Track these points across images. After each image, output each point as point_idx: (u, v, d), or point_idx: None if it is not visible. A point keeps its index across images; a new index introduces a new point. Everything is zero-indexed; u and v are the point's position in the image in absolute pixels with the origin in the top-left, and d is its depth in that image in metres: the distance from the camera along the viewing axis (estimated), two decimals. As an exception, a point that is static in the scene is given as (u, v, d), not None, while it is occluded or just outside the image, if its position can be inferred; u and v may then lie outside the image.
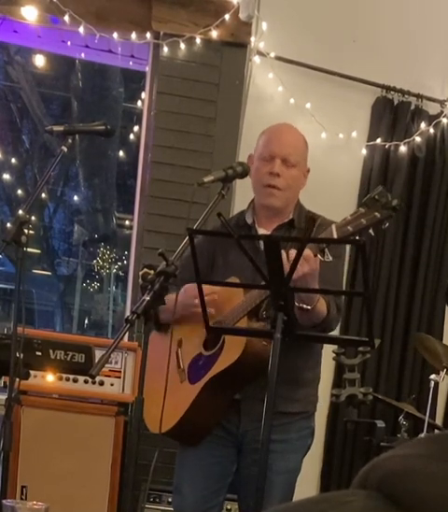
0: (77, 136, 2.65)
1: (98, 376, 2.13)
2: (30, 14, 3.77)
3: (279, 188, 2.51)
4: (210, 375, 2.44)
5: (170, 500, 3.27)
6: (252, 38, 3.92)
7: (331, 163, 4.05)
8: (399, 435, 3.68)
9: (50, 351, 2.80)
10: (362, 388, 3.25)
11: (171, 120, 3.90)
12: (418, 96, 4.11)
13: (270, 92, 4.00)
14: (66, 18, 3.72)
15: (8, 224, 2.47)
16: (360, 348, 3.25)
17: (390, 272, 4.13)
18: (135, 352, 3.34)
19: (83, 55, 4.22)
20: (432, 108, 4.17)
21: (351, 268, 3.99)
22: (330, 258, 2.19)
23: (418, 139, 4.10)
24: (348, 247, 3.60)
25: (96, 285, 11.51)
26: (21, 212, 2.42)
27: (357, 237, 2.17)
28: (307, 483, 3.72)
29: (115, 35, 3.85)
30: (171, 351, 2.37)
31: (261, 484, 2.07)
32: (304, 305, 2.24)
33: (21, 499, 3.13)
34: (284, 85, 3.96)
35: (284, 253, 2.05)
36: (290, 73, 3.97)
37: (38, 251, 10.63)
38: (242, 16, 3.80)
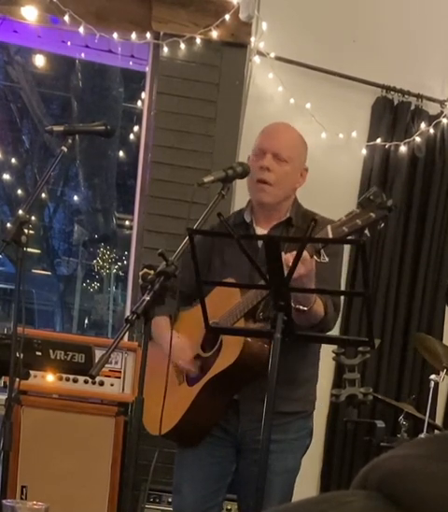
0: (76, 136, 2.65)
1: (98, 376, 2.12)
2: (30, 14, 3.77)
3: (270, 183, 2.49)
4: (208, 376, 2.44)
5: (170, 500, 3.27)
6: (252, 38, 3.92)
7: (331, 163, 4.05)
8: (398, 435, 3.68)
9: (50, 351, 2.80)
10: (362, 388, 3.25)
11: (171, 120, 3.90)
12: (418, 96, 4.11)
13: (270, 92, 4.00)
14: (66, 18, 3.72)
15: (8, 224, 2.47)
16: (360, 348, 3.25)
17: (390, 272, 4.13)
18: (135, 352, 3.34)
19: (83, 55, 4.22)
20: (432, 108, 4.17)
21: (351, 268, 3.99)
22: (326, 259, 2.19)
23: (418, 139, 4.10)
24: (348, 247, 3.60)
25: (96, 285, 11.52)
26: (20, 212, 2.42)
27: (358, 237, 2.17)
28: (307, 483, 3.72)
29: (115, 35, 3.85)
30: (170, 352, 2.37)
31: (261, 484, 2.07)
32: (301, 307, 2.23)
33: (21, 499, 3.13)
34: (284, 85, 3.96)
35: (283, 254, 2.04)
36: (290, 73, 3.97)
37: (38, 251, 10.63)
38: (242, 16, 3.80)
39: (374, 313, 4.00)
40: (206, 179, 2.35)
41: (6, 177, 9.19)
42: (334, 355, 3.35)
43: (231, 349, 2.38)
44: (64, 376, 3.26)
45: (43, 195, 8.32)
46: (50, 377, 3.27)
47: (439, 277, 4.20)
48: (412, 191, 4.15)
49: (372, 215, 2.14)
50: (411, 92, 4.10)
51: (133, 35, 3.86)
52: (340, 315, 2.65)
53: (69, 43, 4.01)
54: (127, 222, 8.99)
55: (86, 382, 3.29)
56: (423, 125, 4.11)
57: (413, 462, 0.52)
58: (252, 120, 3.80)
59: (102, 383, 3.34)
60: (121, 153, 8.76)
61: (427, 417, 3.52)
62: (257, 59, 3.96)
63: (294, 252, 2.01)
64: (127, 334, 2.49)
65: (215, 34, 3.84)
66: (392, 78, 4.08)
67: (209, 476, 2.56)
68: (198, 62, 3.91)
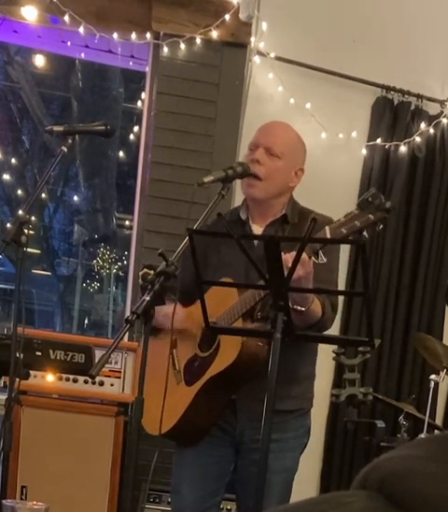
0: (76, 136, 2.65)
1: (98, 376, 2.13)
2: (30, 14, 3.77)
3: (259, 177, 2.48)
4: (207, 377, 2.43)
5: (170, 500, 3.27)
6: (252, 38, 3.92)
7: (331, 163, 4.05)
8: (398, 436, 3.68)
9: (50, 351, 2.80)
10: (362, 388, 3.25)
11: (171, 120, 3.90)
12: (418, 96, 4.11)
13: (270, 92, 4.00)
14: (66, 18, 3.72)
15: (8, 224, 2.47)
16: (360, 348, 3.24)
17: (390, 272, 4.13)
18: (135, 352, 3.34)
19: (83, 55, 4.22)
20: (432, 108, 4.17)
21: (351, 268, 3.99)
22: (324, 260, 2.19)
23: (418, 139, 4.10)
24: (348, 247, 3.60)
25: (96, 285, 11.51)
26: (20, 212, 2.42)
27: (358, 237, 2.17)
28: (307, 483, 3.72)
29: (115, 35, 3.85)
30: (168, 352, 2.37)
31: (261, 484, 2.07)
32: (298, 307, 2.23)
33: (21, 499, 3.13)
34: (284, 85, 3.96)
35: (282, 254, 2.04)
36: (290, 73, 3.97)
37: (38, 251, 10.62)
38: (242, 16, 3.80)
39: (374, 313, 4.00)
40: (206, 179, 2.34)
41: (6, 177, 9.18)
42: (334, 355, 3.35)
43: (229, 350, 2.38)
44: (64, 376, 3.26)
45: (43, 195, 8.32)
46: (50, 377, 3.27)
47: (439, 277, 4.20)
48: (412, 191, 4.15)
49: (371, 217, 2.14)
50: (411, 92, 4.10)
51: (133, 36, 3.86)
52: (340, 315, 2.66)
53: (69, 43, 4.01)
54: (127, 222, 8.98)
55: (86, 382, 3.29)
56: (423, 125, 4.11)
57: (414, 462, 0.52)
58: (252, 121, 3.80)
59: (102, 383, 3.34)
60: (121, 153, 8.76)
61: (427, 417, 3.52)
62: (257, 59, 3.96)
63: (293, 253, 2.01)
64: (127, 334, 2.49)
65: (215, 34, 3.84)
66: (392, 78, 4.08)
67: (208, 475, 2.56)
68: (198, 62, 3.91)
